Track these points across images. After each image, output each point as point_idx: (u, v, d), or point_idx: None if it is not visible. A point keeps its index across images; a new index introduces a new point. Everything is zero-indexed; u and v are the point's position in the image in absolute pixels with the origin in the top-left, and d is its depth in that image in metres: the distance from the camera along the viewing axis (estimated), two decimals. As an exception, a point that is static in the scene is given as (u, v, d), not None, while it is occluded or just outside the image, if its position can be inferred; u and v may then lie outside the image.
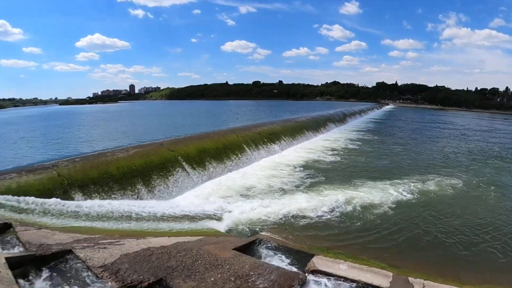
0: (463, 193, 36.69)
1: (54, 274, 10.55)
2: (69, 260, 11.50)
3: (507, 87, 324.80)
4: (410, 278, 13.98)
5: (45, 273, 10.41)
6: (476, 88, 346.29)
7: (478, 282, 15.95)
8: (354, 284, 12.68)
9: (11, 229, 14.14)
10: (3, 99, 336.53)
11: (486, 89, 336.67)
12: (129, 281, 10.12)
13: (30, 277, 9.99)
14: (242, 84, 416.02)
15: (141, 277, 10.51)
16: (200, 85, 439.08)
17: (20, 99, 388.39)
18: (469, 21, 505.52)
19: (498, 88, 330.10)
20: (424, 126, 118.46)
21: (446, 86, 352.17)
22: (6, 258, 10.17)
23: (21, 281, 9.38)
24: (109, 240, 13.91)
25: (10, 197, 19.77)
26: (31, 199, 19.96)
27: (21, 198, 19.86)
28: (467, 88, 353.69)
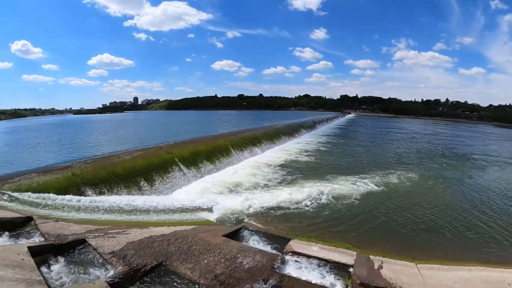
0: (415, 184, 37.36)
1: (70, 260, 10.59)
2: (83, 248, 11.52)
3: (447, 99, 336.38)
4: (371, 256, 14.17)
5: (62, 260, 10.44)
6: (422, 99, 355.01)
7: (426, 257, 16.12)
8: (324, 262, 12.86)
9: (32, 222, 14.01)
10: (25, 109, 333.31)
11: (430, 100, 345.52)
12: (134, 265, 10.17)
13: (50, 263, 10.01)
14: (229, 96, 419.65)
15: (145, 261, 10.57)
16: (193, 98, 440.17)
17: (40, 109, 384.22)
18: (416, 45, 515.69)
19: (440, 100, 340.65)
20: (380, 131, 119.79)
21: (397, 98, 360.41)
22: (28, 247, 10.18)
23: (42, 267, 9.38)
24: (117, 230, 13.88)
25: (31, 194, 19.64)
26: (49, 195, 19.83)
27: (41, 195, 19.71)
28: (415, 99, 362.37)
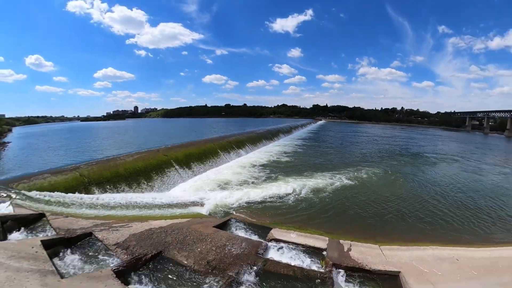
0: (378, 179, 38.09)
1: (79, 251, 10.51)
2: (90, 240, 11.46)
3: (402, 107, 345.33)
4: (341, 241, 14.46)
5: (72, 251, 10.38)
6: (382, 108, 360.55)
7: (388, 240, 16.58)
8: (301, 247, 13.07)
9: (44, 218, 13.83)
10: (37, 116, 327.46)
11: (388, 108, 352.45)
12: (136, 254, 10.17)
13: (61, 255, 9.94)
14: (217, 106, 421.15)
15: (145, 250, 10.57)
16: (187, 107, 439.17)
17: (51, 116, 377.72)
18: (376, 63, 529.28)
19: (396, 108, 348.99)
20: (346, 134, 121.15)
21: (361, 107, 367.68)
22: (41, 241, 10.11)
23: (54, 258, 9.30)
24: (120, 224, 13.82)
25: (44, 192, 19.40)
26: (59, 194, 19.61)
27: (52, 193, 19.49)
28: (375, 108, 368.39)
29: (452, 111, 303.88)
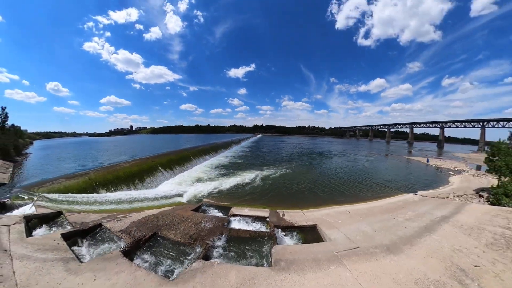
0: (298, 169, 40.43)
1: (93, 239, 9.79)
2: (101, 230, 10.64)
3: (309, 125, 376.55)
4: (277, 210, 14.96)
5: (87, 240, 9.62)
6: (296, 126, 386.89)
7: (307, 206, 17.31)
8: (252, 218, 13.26)
9: (62, 215, 12.60)
10: (54, 132, 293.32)
11: (301, 126, 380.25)
12: (137, 237, 9.67)
13: (78, 244, 9.15)
14: (190, 126, 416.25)
15: (144, 233, 10.08)
16: (168, 126, 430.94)
17: (65, 132, 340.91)
18: (293, 98, 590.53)
19: (305, 125, 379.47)
20: (276, 143, 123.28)
21: (284, 126, 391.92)
22: (61, 234, 9.34)
23: (73, 247, 8.57)
24: (123, 215, 12.95)
25: (60, 194, 17.74)
26: (73, 195, 18.01)
27: (67, 194, 17.85)
28: (293, 126, 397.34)
29: (338, 126, 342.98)
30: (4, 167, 30.43)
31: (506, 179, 20.67)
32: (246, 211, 14.28)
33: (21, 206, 14.08)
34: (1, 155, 38.18)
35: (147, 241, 9.61)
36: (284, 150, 76.82)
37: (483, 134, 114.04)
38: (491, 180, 27.85)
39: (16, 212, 13.00)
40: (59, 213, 12.79)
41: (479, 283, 6.80)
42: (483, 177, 34.38)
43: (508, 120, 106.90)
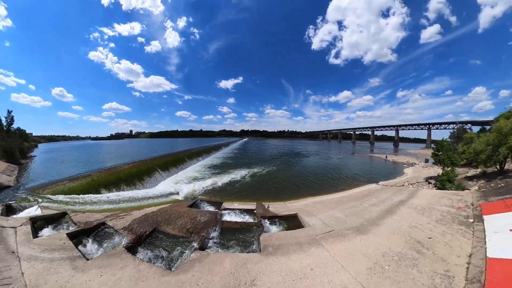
0: (280, 167, 40.43)
1: (97, 237, 9.25)
2: (104, 228, 10.08)
3: (288, 130, 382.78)
4: (263, 203, 14.90)
5: (92, 238, 9.09)
6: (277, 130, 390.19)
7: (289, 199, 17.45)
8: (242, 210, 13.12)
9: (67, 215, 11.81)
10: (58, 136, 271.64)
11: (281, 130, 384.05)
12: (138, 233, 9.28)
13: (83, 242, 8.60)
14: (184, 131, 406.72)
15: (144, 229, 9.69)
16: (165, 131, 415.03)
17: (68, 136, 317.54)
18: (274, 107, 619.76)
19: (285, 130, 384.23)
20: (260, 145, 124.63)
21: (267, 130, 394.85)
22: (67, 234, 8.76)
23: (78, 246, 8.05)
24: (125, 213, 12.36)
25: (65, 195, 16.78)
26: (77, 196, 17.06)
27: (71, 196, 16.92)
28: (274, 130, 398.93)
29: (312, 130, 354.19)
30: (9, 169, 27.98)
31: (449, 168, 21.92)
32: (236, 205, 14.12)
33: (26, 208, 13.12)
34: (6, 158, 34.78)
35: (148, 237, 9.23)
36: (268, 151, 76.68)
37: (429, 134, 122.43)
38: (437, 170, 29.41)
39: (22, 214, 12.09)
40: (64, 214, 12.02)
41: (433, 251, 7.25)
42: (430, 168, 36.27)
43: (448, 123, 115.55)
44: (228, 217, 12.19)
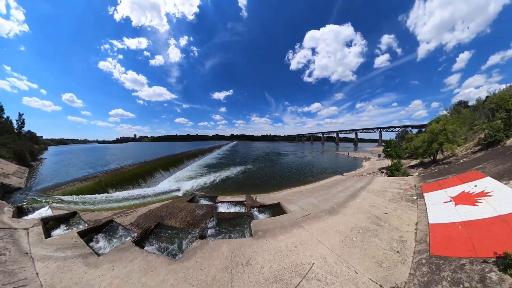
0: (265, 164, 40.28)
1: (106, 234, 8.63)
2: (113, 225, 9.46)
3: (270, 134, 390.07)
4: (252, 195, 14.75)
5: (101, 235, 8.48)
6: (262, 134, 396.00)
7: (272, 191, 17.50)
8: (234, 202, 12.94)
9: (77, 214, 10.94)
10: (67, 139, 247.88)
11: (265, 134, 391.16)
12: (144, 228, 8.82)
13: (94, 239, 8.05)
14: (182, 135, 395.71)
15: (150, 224, 9.23)
16: (165, 135, 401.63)
17: (77, 139, 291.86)
18: (258, 115, 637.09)
19: (268, 134, 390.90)
20: (248, 147, 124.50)
21: (252, 135, 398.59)
22: (78, 232, 8.10)
23: (89, 243, 7.52)
24: (131, 210, 11.67)
25: (74, 196, 15.63)
26: (86, 196, 15.95)
27: (81, 196, 15.80)
28: (258, 134, 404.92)
29: (290, 134, 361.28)
30: (20, 171, 25.17)
31: (396, 160, 23.25)
32: (229, 198, 13.92)
33: (37, 209, 11.98)
34: (17, 160, 30.95)
35: (153, 230, 8.81)
36: (254, 152, 76.46)
37: (380, 136, 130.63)
38: (387, 162, 31.04)
39: (33, 215, 11.02)
40: (74, 213, 11.13)
41: (389, 223, 7.68)
42: (382, 161, 38.26)
43: (394, 127, 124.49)
44: (223, 208, 12.00)
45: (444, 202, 8.35)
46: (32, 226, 8.49)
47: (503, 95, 19.88)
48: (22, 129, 50.96)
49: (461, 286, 3.97)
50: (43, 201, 13.83)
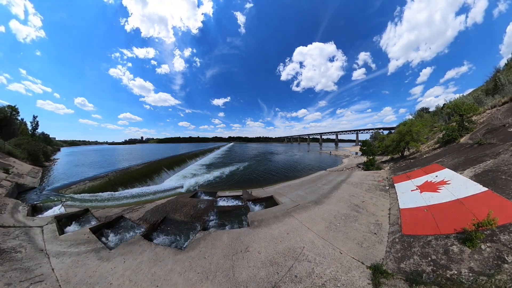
0: (259, 162, 40.05)
1: (117, 229, 8.35)
2: (122, 221, 9.14)
3: (263, 136, 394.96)
4: (247, 190, 14.65)
5: (112, 230, 8.20)
6: (256, 136, 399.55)
7: (265, 185, 17.41)
8: (232, 197, 12.81)
9: (89, 211, 10.44)
10: (79, 140, 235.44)
11: (258, 136, 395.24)
12: (151, 222, 8.62)
13: (105, 235, 7.76)
14: (185, 137, 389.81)
15: (157, 218, 9.02)
16: (170, 137, 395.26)
17: (88, 141, 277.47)
18: (253, 119, 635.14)
19: (261, 136, 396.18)
20: (243, 148, 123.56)
21: (248, 136, 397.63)
22: (90, 228, 7.77)
23: (101, 238, 7.27)
24: (139, 206, 11.31)
25: (86, 194, 15.04)
26: (97, 194, 15.34)
27: (91, 194, 15.18)
28: (253, 137, 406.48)
29: (280, 136, 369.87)
30: (34, 171, 23.59)
31: (371, 157, 23.85)
32: (227, 193, 13.79)
33: (51, 207, 11.41)
34: (31, 160, 29.12)
35: (160, 224, 8.64)
36: (249, 152, 76.13)
37: (357, 137, 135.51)
38: (363, 159, 31.80)
39: (47, 213, 10.49)
40: (86, 210, 10.65)
41: (366, 210, 7.85)
42: (359, 158, 39.15)
43: (369, 129, 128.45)
44: (222, 203, 11.87)
45: (411, 190, 8.67)
46: (46, 224, 8.10)
47: (457, 102, 20.89)
48: (36, 130, 48.28)
49: (429, 258, 4.21)
50: (56, 199, 13.20)
